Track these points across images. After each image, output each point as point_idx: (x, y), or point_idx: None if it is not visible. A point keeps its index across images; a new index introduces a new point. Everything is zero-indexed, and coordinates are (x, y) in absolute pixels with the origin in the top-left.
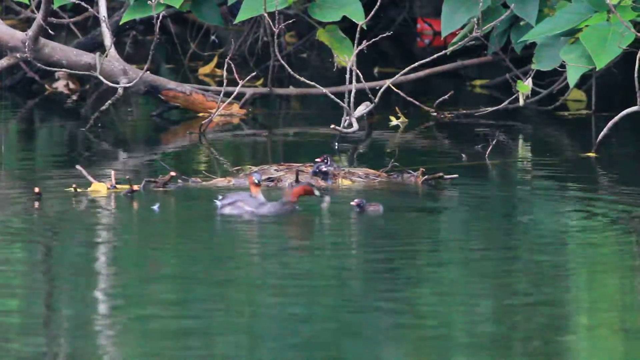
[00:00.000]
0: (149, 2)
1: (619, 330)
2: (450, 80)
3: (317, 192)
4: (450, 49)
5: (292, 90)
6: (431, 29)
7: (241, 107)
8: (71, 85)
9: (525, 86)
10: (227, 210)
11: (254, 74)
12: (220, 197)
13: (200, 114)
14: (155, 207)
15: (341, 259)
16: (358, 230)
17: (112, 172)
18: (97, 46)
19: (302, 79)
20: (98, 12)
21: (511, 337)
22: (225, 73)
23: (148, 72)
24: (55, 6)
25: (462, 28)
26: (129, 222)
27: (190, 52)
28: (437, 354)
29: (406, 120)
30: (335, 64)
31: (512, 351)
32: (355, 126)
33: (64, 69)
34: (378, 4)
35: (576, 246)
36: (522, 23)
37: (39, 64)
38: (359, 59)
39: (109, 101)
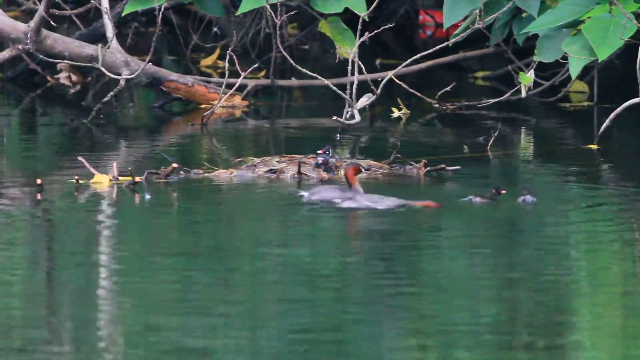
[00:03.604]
0: None
1: (620, 329)
2: (452, 72)
3: (363, 169)
4: (452, 40)
5: (294, 81)
6: (433, 20)
7: (243, 99)
8: (73, 77)
9: (528, 78)
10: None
11: (256, 65)
12: (302, 193)
13: (202, 106)
14: (148, 196)
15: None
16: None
17: (115, 164)
18: (99, 38)
19: (304, 70)
20: (100, 4)
21: (514, 331)
22: (227, 65)
23: (150, 63)
24: None
25: (464, 20)
26: (131, 214)
27: (192, 44)
28: (439, 352)
29: (408, 111)
30: (337, 56)
31: (513, 350)
32: (357, 118)
33: (66, 61)
34: None
35: (578, 239)
36: (524, 15)
37: (41, 56)
38: (361, 50)
39: (111, 93)
